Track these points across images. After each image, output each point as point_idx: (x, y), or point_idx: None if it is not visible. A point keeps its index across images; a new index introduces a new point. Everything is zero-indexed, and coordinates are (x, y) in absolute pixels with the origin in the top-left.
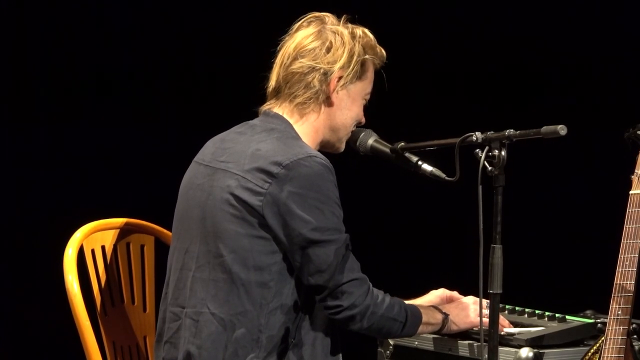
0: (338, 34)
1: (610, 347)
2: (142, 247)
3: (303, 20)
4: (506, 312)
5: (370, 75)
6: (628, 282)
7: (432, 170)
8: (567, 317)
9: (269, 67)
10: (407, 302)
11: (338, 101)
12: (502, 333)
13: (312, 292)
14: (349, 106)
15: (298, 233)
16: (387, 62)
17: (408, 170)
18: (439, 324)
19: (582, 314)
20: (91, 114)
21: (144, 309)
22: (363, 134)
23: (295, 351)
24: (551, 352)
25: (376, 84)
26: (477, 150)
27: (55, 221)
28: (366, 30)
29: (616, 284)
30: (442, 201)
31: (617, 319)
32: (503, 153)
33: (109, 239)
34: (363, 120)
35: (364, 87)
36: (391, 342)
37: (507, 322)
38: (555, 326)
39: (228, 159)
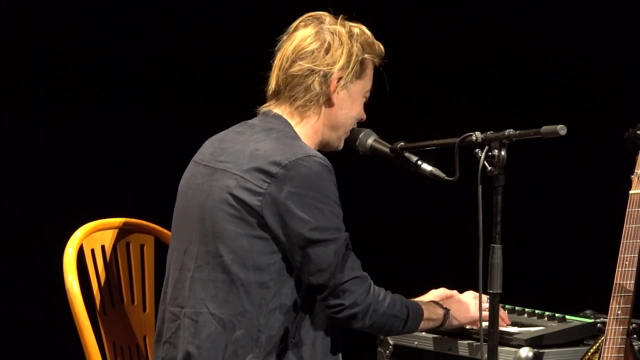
0: (336, 34)
1: (610, 346)
2: (141, 246)
3: (300, 20)
4: (506, 311)
5: (369, 73)
6: (628, 282)
7: (431, 170)
8: (567, 316)
9: (268, 67)
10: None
11: (339, 101)
12: (503, 327)
13: (313, 291)
14: (349, 106)
15: (297, 233)
16: (386, 62)
17: (408, 170)
18: (440, 319)
19: (581, 314)
20: (91, 113)
21: (144, 309)
22: (362, 133)
23: (294, 351)
24: (551, 352)
25: (376, 83)
26: (477, 150)
27: (55, 221)
28: (363, 28)
29: (616, 283)
30: (442, 201)
31: (617, 318)
32: (503, 153)
33: (108, 238)
34: (364, 117)
35: (364, 86)
36: (391, 341)
37: (506, 317)
38: (555, 326)
39: (227, 159)
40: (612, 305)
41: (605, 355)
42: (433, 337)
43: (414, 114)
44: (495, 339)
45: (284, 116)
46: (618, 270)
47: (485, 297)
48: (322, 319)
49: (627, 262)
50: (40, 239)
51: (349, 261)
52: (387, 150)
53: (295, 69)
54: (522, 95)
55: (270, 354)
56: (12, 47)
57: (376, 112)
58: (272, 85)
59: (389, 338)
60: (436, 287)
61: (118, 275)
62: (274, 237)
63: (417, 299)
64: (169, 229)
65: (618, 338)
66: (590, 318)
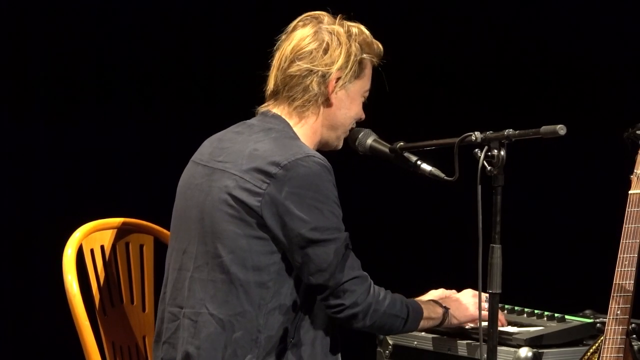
0: (334, 34)
1: (610, 346)
2: (141, 246)
3: (299, 20)
4: (505, 311)
5: (368, 72)
6: (627, 282)
7: (431, 170)
8: (567, 316)
9: (267, 67)
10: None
11: (337, 102)
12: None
13: (313, 291)
14: (348, 106)
15: (297, 233)
16: (385, 62)
17: (407, 170)
18: (439, 318)
19: (581, 314)
20: (91, 113)
21: (143, 309)
22: (362, 133)
23: (294, 351)
24: (550, 352)
25: (375, 82)
26: (477, 150)
27: (55, 221)
28: (362, 27)
29: (615, 283)
30: (442, 201)
31: (617, 318)
32: (502, 153)
33: (108, 238)
34: (363, 117)
35: (362, 86)
36: (390, 341)
37: (504, 318)
38: (554, 326)
39: (226, 159)
40: (611, 305)
41: (605, 355)
42: (432, 337)
43: (414, 114)
44: (495, 338)
45: (283, 116)
46: (617, 270)
47: (484, 297)
48: (322, 319)
49: (627, 262)
50: (40, 239)
51: (349, 261)
52: (387, 150)
53: (293, 69)
54: (522, 95)
55: (269, 354)
56: (12, 47)
57: (376, 112)
58: (270, 85)
59: (388, 338)
60: (436, 287)
61: (117, 275)
62: (274, 237)
63: (417, 299)
64: (168, 229)
65: (617, 338)
66: (590, 318)
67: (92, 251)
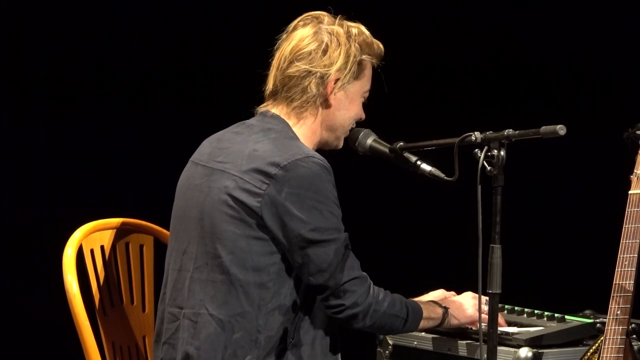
0: (334, 35)
1: (610, 347)
2: (141, 247)
3: (300, 19)
4: (505, 312)
5: (368, 73)
6: (627, 282)
7: (431, 170)
8: (567, 317)
9: (268, 66)
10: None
11: (336, 102)
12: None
13: (313, 292)
14: (347, 106)
15: (297, 234)
16: (386, 62)
17: (407, 170)
18: (439, 318)
19: (581, 314)
20: (91, 113)
21: (143, 309)
22: (362, 134)
23: (294, 351)
24: (550, 352)
25: (375, 83)
26: (476, 150)
27: (55, 221)
28: (362, 28)
29: (615, 283)
30: (442, 201)
31: (616, 318)
32: (502, 153)
33: (108, 239)
34: (363, 116)
35: (362, 86)
36: (390, 341)
37: (502, 320)
38: (554, 326)
39: (225, 160)
40: (611, 305)
41: (605, 355)
42: (432, 337)
43: (414, 114)
44: (495, 339)
45: (282, 116)
46: (617, 270)
47: (484, 299)
48: (321, 319)
49: (627, 262)
50: (40, 239)
51: (349, 261)
52: (387, 150)
53: (292, 70)
54: (522, 95)
55: (269, 354)
56: (12, 47)
57: (376, 112)
58: (269, 85)
59: (388, 338)
60: (436, 288)
61: (117, 276)
62: (273, 237)
63: (416, 299)
64: (168, 229)
65: (617, 338)
66: (590, 318)
67: (92, 251)
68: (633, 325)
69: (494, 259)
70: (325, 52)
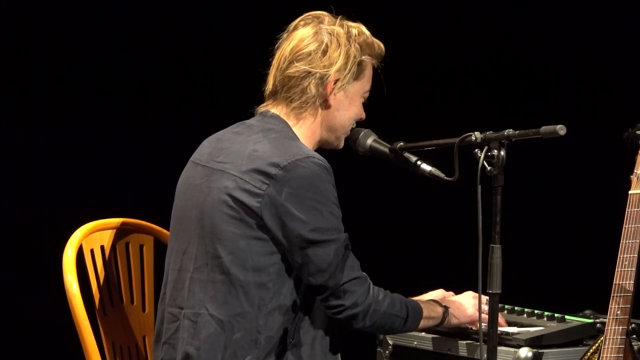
0: (334, 35)
1: (610, 347)
2: (141, 247)
3: (301, 19)
4: (505, 312)
5: (368, 74)
6: (627, 282)
7: (431, 170)
8: (567, 317)
9: (268, 66)
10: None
11: (336, 103)
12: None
13: (313, 292)
14: (346, 107)
15: (297, 234)
16: (386, 62)
17: (407, 170)
18: (439, 317)
19: (581, 314)
20: (91, 113)
21: (143, 309)
22: (362, 134)
23: (293, 352)
24: (550, 352)
25: (376, 83)
26: (476, 150)
27: (55, 221)
28: (362, 28)
29: (615, 283)
30: (442, 201)
31: (617, 318)
32: (502, 153)
33: (108, 239)
34: (363, 116)
35: (362, 87)
36: (390, 341)
37: (502, 319)
38: (554, 326)
39: (225, 160)
40: (611, 305)
41: (605, 355)
42: (432, 337)
43: (414, 114)
44: (495, 339)
45: (282, 116)
46: (617, 271)
47: (484, 299)
48: (321, 319)
49: (627, 262)
50: (40, 239)
51: (349, 261)
52: (387, 150)
53: (292, 70)
54: (522, 95)
55: (269, 354)
56: (12, 47)
57: (376, 112)
58: (269, 85)
59: (388, 338)
60: (436, 288)
61: (117, 276)
62: (273, 238)
63: (416, 298)
64: (168, 229)
65: (617, 338)
66: (590, 318)
67: (92, 251)
68: (633, 325)
69: (494, 259)
70: (325, 52)
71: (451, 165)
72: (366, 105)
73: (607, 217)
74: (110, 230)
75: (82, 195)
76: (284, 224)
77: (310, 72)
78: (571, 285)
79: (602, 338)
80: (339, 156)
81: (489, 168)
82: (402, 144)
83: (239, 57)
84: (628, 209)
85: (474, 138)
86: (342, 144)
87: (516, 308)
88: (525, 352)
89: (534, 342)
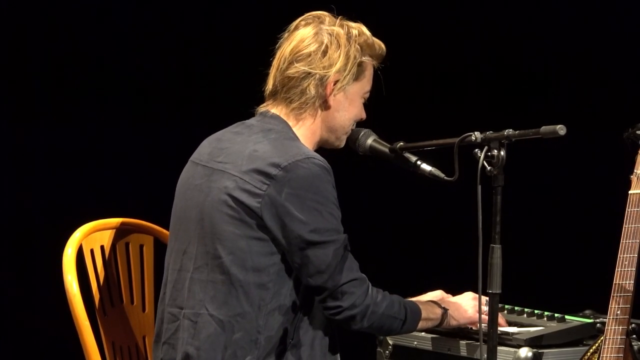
0: (334, 36)
1: (610, 346)
2: (141, 247)
3: (301, 19)
4: (505, 312)
5: (368, 74)
6: (627, 282)
7: (431, 170)
8: (567, 317)
9: (268, 66)
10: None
11: (335, 104)
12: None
13: (312, 293)
14: (346, 107)
15: (297, 235)
16: (386, 62)
17: (407, 170)
18: (438, 318)
19: (581, 314)
20: (91, 113)
21: (143, 309)
22: (362, 134)
23: (293, 352)
24: (550, 352)
25: (376, 83)
26: (476, 150)
27: (55, 221)
28: (363, 28)
29: (615, 283)
30: (442, 201)
31: (617, 318)
32: (502, 153)
33: (108, 238)
34: (364, 117)
35: (362, 87)
36: (390, 342)
37: (502, 319)
38: (554, 326)
39: (225, 160)
40: (611, 305)
41: (605, 355)
42: (432, 337)
43: (414, 114)
44: (495, 339)
45: (282, 117)
46: (617, 270)
47: (484, 300)
48: (321, 320)
49: (627, 262)
50: (40, 239)
51: (348, 263)
52: (387, 150)
53: (291, 71)
54: (522, 95)
55: (269, 355)
56: (12, 47)
57: (376, 112)
58: (269, 85)
59: (388, 338)
60: (436, 288)
61: (117, 276)
62: (273, 238)
63: (415, 299)
64: (168, 229)
65: (617, 338)
66: (590, 318)
67: (92, 251)
68: (633, 325)
69: (494, 259)
70: (325, 53)
71: (451, 165)
72: (366, 105)
73: (607, 217)
74: (110, 230)
75: (82, 195)
76: (284, 224)
77: (310, 73)
78: (571, 285)
79: (602, 338)
80: (339, 156)
81: (489, 168)
82: (402, 144)
83: (239, 57)
84: (628, 209)
85: (474, 138)
86: (343, 144)
87: (516, 308)
88: (525, 352)
89: (534, 342)
